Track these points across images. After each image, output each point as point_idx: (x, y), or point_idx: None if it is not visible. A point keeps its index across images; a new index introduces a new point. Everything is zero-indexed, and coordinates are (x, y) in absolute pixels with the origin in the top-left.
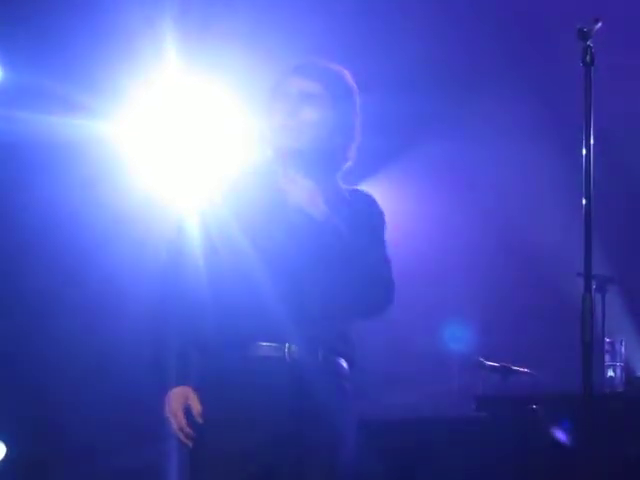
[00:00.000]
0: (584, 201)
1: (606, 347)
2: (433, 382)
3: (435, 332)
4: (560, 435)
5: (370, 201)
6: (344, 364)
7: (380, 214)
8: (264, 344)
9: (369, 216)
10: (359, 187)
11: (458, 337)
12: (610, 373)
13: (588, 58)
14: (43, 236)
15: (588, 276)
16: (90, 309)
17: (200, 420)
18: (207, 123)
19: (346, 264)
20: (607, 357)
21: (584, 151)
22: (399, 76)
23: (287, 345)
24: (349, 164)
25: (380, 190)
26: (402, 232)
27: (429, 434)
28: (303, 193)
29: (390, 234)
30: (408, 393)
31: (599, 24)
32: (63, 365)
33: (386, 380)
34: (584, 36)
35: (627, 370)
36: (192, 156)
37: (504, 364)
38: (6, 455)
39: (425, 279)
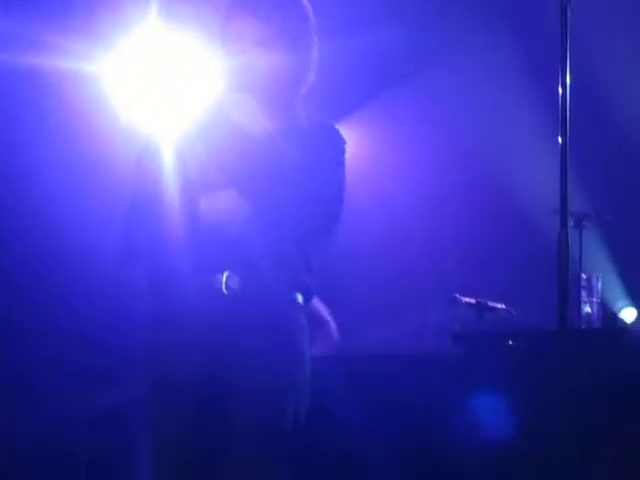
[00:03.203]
0: (560, 139)
1: (582, 283)
2: (410, 319)
3: (411, 269)
4: None
5: (331, 131)
6: (298, 295)
7: (340, 142)
8: (218, 275)
9: (328, 143)
10: (324, 120)
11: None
12: (586, 309)
13: None
14: (16, 181)
15: (564, 213)
16: (61, 258)
17: None
18: (183, 65)
19: (289, 183)
20: (583, 293)
21: (560, 89)
22: (383, 12)
23: (229, 276)
24: (304, 90)
25: (358, 127)
26: (381, 168)
27: (405, 370)
28: (247, 114)
29: (369, 169)
30: (384, 330)
31: None
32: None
33: (363, 317)
34: None
35: (603, 306)
36: (168, 96)
37: (480, 300)
38: None
39: (402, 215)
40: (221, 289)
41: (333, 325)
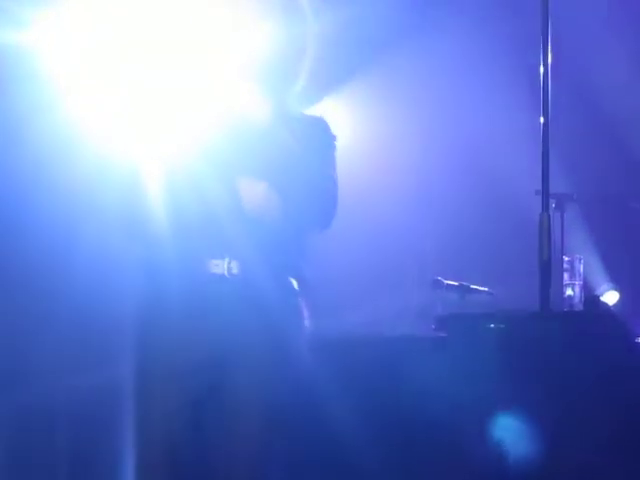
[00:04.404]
0: (542, 119)
1: (565, 265)
2: (392, 301)
3: (394, 251)
4: None
5: (323, 124)
6: (293, 281)
7: (332, 137)
8: (214, 262)
9: (320, 136)
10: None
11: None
12: (569, 292)
13: None
14: None
15: (546, 194)
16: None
17: None
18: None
19: (290, 173)
20: (566, 275)
21: (542, 69)
22: None
23: (230, 261)
24: (302, 83)
25: (341, 106)
26: (361, 152)
27: (387, 353)
28: (249, 102)
29: (350, 151)
30: (367, 312)
31: None
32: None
33: (345, 299)
34: None
35: (586, 288)
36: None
37: (463, 283)
38: None
39: (384, 198)
40: (223, 274)
41: (307, 320)
